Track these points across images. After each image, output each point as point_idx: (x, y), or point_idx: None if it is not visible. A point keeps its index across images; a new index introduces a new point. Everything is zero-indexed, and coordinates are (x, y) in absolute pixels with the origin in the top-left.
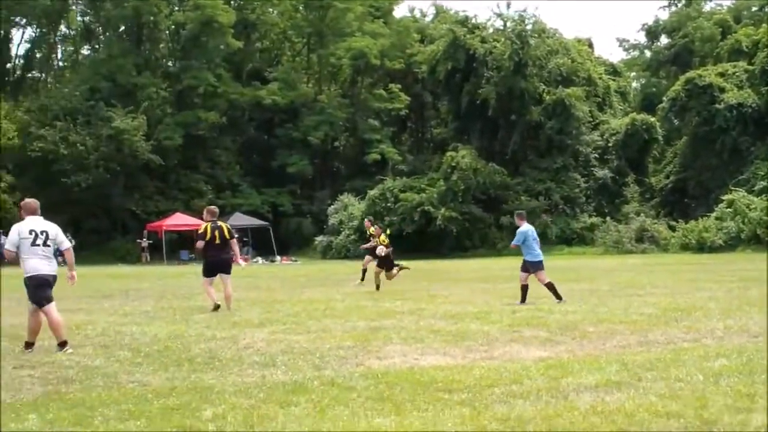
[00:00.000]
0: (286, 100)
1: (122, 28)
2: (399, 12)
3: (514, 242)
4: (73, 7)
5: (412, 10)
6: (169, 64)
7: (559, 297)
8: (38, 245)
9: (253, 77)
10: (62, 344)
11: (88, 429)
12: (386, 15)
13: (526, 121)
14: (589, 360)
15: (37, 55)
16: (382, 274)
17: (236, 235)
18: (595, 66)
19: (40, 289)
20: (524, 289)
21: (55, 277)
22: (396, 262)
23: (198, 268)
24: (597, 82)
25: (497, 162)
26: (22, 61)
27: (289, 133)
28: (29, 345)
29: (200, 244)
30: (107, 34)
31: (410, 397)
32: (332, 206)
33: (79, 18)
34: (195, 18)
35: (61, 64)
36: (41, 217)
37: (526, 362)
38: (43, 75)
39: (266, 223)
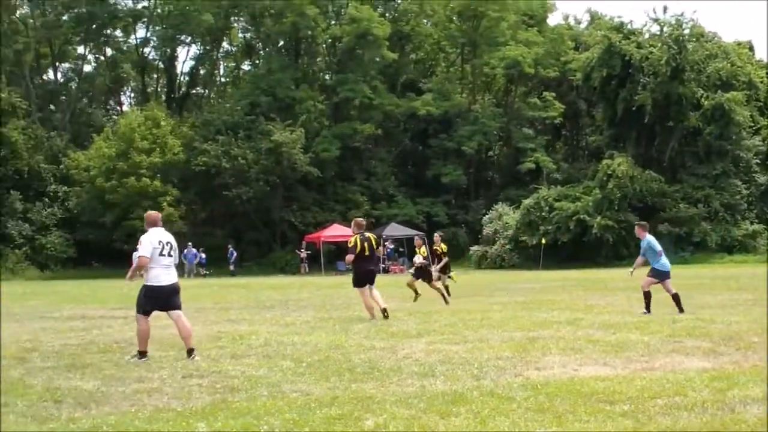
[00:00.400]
0: (441, 111)
1: (281, 43)
2: (553, 20)
3: (658, 249)
4: (235, 25)
5: (566, 18)
6: (326, 77)
7: (648, 309)
8: (164, 255)
9: (408, 88)
10: (142, 354)
11: None
12: (540, 23)
13: (684, 127)
14: (756, 371)
15: (201, 72)
16: (417, 283)
17: (391, 246)
18: (756, 69)
19: (151, 300)
20: (675, 297)
21: (174, 285)
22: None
23: None
24: (758, 86)
25: (654, 169)
26: (187, 78)
27: (443, 143)
28: (142, 354)
29: (350, 257)
30: (267, 49)
31: (571, 408)
32: (486, 216)
33: (240, 35)
34: (351, 31)
35: (223, 80)
36: (163, 228)
37: (689, 373)
38: (207, 91)
39: (421, 233)
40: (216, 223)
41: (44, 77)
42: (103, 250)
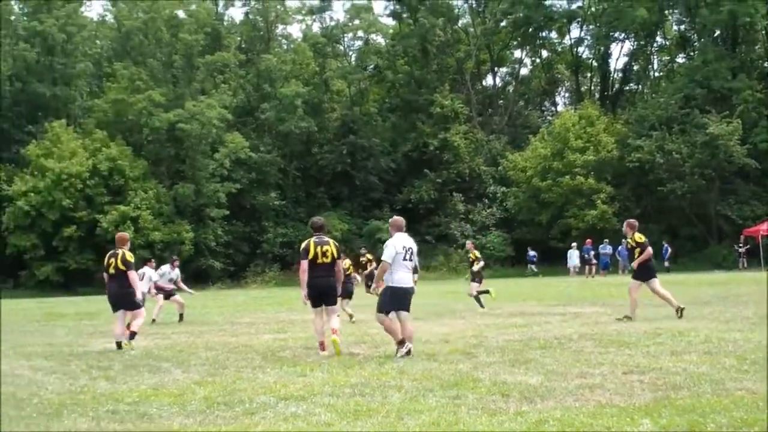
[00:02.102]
0: None
1: (717, 32)
2: None
3: None
4: (669, 17)
5: None
6: (765, 64)
7: None
8: (406, 260)
9: None
10: (401, 343)
11: None
12: None
13: None
14: None
15: (634, 68)
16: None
17: None
18: None
19: (395, 299)
20: None
21: (412, 288)
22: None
23: None
24: None
25: None
26: (620, 75)
27: None
28: (401, 343)
29: None
30: (702, 40)
31: None
32: None
33: (674, 27)
34: None
35: (656, 74)
36: (406, 234)
37: None
38: (640, 86)
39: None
40: (650, 218)
41: (483, 83)
42: (539, 248)
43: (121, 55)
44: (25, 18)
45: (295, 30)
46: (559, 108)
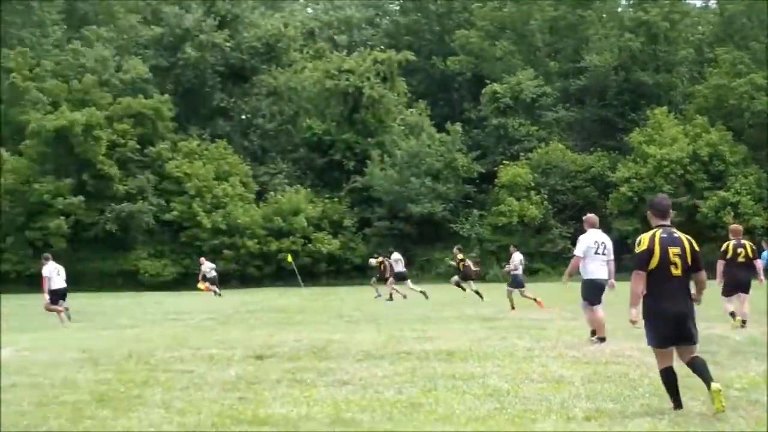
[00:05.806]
0: None
1: None
2: None
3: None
4: None
5: None
6: None
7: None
8: (599, 254)
9: None
10: (601, 339)
11: None
12: None
13: None
14: None
15: None
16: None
17: None
18: None
19: (596, 290)
20: None
21: (604, 281)
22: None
23: None
24: None
25: None
26: None
27: None
28: (602, 339)
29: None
30: None
31: None
32: None
33: None
34: None
35: None
36: (600, 230)
37: None
38: None
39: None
40: None
41: None
42: None
43: (722, 39)
44: (630, 9)
45: None
46: None
